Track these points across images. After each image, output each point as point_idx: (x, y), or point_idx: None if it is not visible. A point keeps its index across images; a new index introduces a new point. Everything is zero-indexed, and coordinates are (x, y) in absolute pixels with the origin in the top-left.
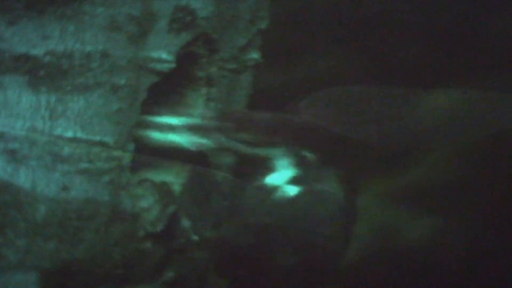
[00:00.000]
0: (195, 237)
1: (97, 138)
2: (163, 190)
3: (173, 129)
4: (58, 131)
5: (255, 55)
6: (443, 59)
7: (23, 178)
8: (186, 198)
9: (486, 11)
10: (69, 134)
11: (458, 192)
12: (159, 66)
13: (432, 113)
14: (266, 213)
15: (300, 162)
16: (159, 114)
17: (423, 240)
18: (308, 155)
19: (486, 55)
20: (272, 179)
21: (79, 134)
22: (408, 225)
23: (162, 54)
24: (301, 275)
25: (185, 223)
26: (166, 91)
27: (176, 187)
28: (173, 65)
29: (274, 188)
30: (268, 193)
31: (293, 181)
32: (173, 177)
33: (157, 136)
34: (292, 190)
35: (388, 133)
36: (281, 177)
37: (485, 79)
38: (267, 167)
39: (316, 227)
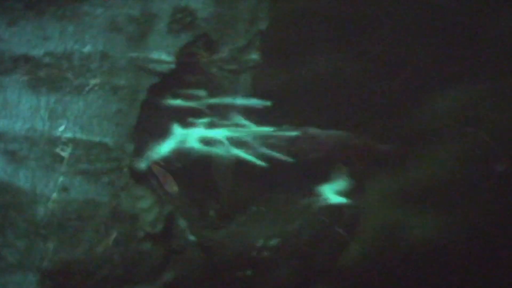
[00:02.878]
0: (192, 238)
1: (97, 139)
2: (162, 190)
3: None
4: (57, 131)
5: (255, 55)
6: (444, 59)
7: (22, 179)
8: (184, 199)
9: (489, 10)
10: (69, 134)
11: (462, 191)
12: (158, 67)
13: (435, 113)
14: (294, 218)
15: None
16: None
17: (427, 238)
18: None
19: (489, 55)
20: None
21: (79, 135)
22: (412, 223)
23: (162, 54)
24: (301, 276)
25: (182, 223)
26: (165, 92)
27: (175, 188)
28: (172, 66)
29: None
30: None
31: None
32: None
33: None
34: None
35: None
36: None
37: (488, 79)
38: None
39: (326, 238)
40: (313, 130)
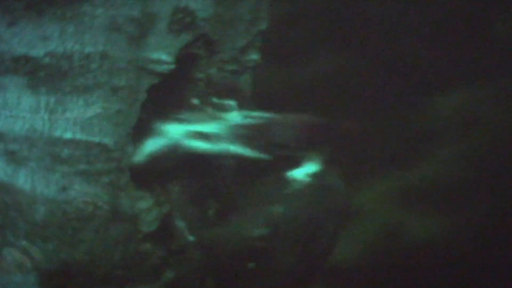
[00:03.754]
0: (191, 237)
1: (97, 139)
2: (161, 190)
3: (211, 137)
4: (57, 132)
5: (255, 56)
6: (446, 61)
7: (22, 179)
8: (183, 198)
9: (490, 11)
10: (69, 135)
11: (464, 191)
12: (158, 67)
13: (437, 114)
14: (278, 203)
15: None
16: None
17: (428, 238)
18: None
19: (490, 56)
20: (293, 173)
21: (79, 135)
22: (413, 223)
23: (162, 55)
24: (301, 274)
25: (180, 223)
26: (166, 92)
27: (175, 188)
28: (172, 66)
29: (291, 181)
30: (283, 185)
31: (311, 176)
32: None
33: (195, 144)
34: (307, 184)
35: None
36: (302, 172)
37: (489, 80)
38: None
39: (320, 221)
40: (279, 116)
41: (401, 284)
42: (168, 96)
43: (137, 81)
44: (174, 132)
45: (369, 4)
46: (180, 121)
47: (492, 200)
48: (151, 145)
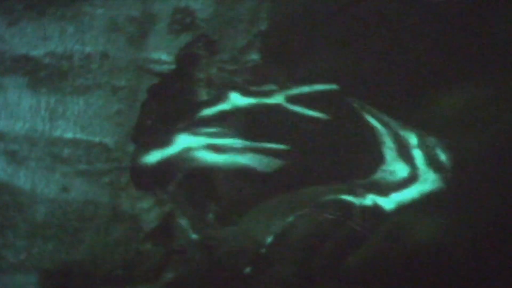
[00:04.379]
0: (195, 236)
1: (97, 139)
2: (162, 191)
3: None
4: (58, 132)
5: (255, 56)
6: (448, 60)
7: (23, 179)
8: (183, 200)
9: (495, 9)
10: (69, 135)
11: (464, 191)
12: (158, 67)
13: (437, 114)
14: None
15: None
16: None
17: (431, 239)
18: None
19: (494, 55)
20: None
21: (79, 135)
22: (416, 224)
23: (162, 55)
24: (297, 284)
25: (183, 222)
26: (165, 92)
27: (176, 190)
28: (172, 66)
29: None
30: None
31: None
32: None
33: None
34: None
35: None
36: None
37: (493, 79)
38: None
39: (326, 235)
40: None
41: (402, 284)
42: (176, 102)
43: (137, 81)
44: (187, 143)
45: (370, 4)
46: (193, 132)
47: (493, 200)
48: (160, 154)
